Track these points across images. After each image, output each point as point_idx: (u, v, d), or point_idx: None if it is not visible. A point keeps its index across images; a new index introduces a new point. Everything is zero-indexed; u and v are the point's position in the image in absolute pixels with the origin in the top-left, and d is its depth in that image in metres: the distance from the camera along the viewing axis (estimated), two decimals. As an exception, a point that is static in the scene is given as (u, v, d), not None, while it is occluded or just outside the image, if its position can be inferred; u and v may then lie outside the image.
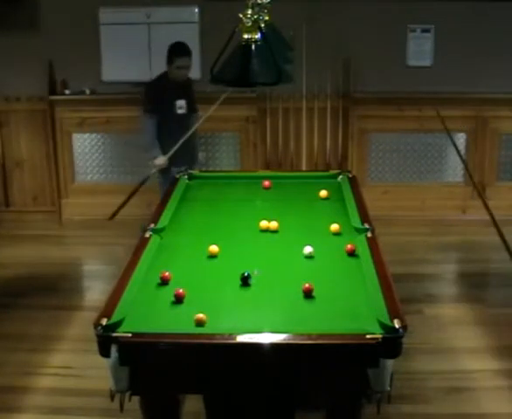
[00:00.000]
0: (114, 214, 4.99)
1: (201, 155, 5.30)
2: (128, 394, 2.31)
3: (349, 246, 3.01)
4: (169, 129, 4.76)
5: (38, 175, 6.22)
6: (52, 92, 5.93)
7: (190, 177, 4.26)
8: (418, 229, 5.79)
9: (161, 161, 4.77)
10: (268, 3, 2.93)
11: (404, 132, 6.05)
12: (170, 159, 4.79)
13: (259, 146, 6.07)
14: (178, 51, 4.70)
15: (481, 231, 5.72)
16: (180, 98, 4.87)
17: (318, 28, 5.65)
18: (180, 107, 4.87)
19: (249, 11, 2.65)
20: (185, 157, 4.80)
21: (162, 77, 4.86)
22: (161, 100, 4.79)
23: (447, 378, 3.56)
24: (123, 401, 2.31)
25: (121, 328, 2.30)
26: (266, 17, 2.85)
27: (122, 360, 2.23)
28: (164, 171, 4.85)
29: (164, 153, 4.80)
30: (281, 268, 2.90)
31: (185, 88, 4.91)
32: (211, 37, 5.05)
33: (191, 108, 4.98)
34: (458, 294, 4.76)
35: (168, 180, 4.56)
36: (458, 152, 4.75)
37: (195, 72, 5.80)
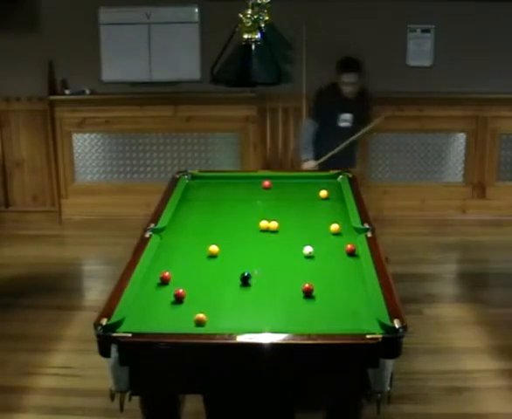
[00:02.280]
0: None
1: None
2: (127, 394, 2.31)
3: (349, 246, 3.01)
4: (328, 139, 4.73)
5: (38, 175, 6.22)
6: (52, 92, 5.93)
7: (191, 177, 4.26)
8: (418, 229, 5.79)
9: (310, 165, 4.77)
10: (268, 3, 2.94)
11: (404, 132, 6.05)
12: (323, 166, 4.71)
13: (258, 146, 6.07)
14: (344, 66, 4.65)
15: (481, 231, 5.74)
16: (346, 111, 4.82)
17: (318, 28, 5.65)
18: (344, 120, 4.83)
19: (249, 11, 2.65)
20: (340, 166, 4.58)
21: (334, 86, 4.83)
22: (325, 109, 4.80)
23: (447, 378, 3.56)
24: (123, 401, 2.30)
25: (121, 328, 2.30)
26: (266, 17, 2.85)
27: (122, 360, 2.23)
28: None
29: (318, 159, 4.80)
30: (281, 268, 2.90)
31: (355, 102, 4.83)
32: (210, 37, 5.06)
33: (360, 122, 4.89)
34: (458, 294, 4.76)
35: None
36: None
37: (195, 72, 5.84)
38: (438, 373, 3.62)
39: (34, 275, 5.03)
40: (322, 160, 4.74)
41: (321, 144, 4.81)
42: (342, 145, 4.78)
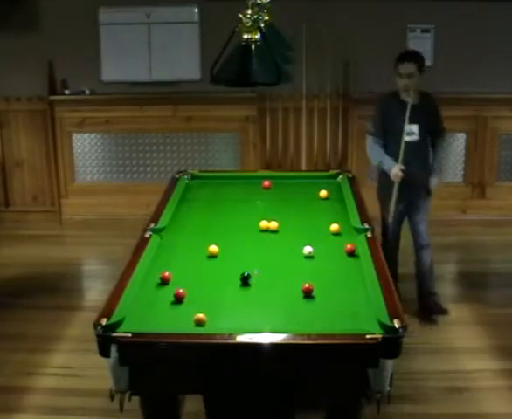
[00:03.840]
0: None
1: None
2: (127, 394, 2.31)
3: (348, 246, 3.01)
4: (395, 158, 4.04)
5: (37, 175, 6.22)
6: (52, 92, 5.93)
7: (191, 177, 4.26)
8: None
9: (396, 171, 4.01)
10: (268, 3, 2.93)
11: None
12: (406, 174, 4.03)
13: (258, 146, 6.07)
14: (400, 56, 4.06)
15: (481, 231, 5.73)
16: (411, 122, 4.03)
17: (318, 28, 5.65)
18: (410, 133, 4.06)
19: (249, 11, 2.65)
20: (417, 184, 4.15)
21: (395, 94, 4.14)
22: (386, 122, 4.13)
23: (447, 378, 3.56)
24: (123, 401, 2.31)
25: (121, 328, 2.30)
26: (266, 17, 2.85)
27: (122, 360, 2.23)
28: (400, 189, 4.09)
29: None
30: (281, 268, 2.90)
31: (421, 109, 4.06)
32: (211, 37, 5.05)
33: (429, 133, 4.19)
34: (458, 294, 4.76)
35: (395, 202, 4.11)
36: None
37: (195, 72, 5.84)
38: (438, 373, 3.62)
39: (34, 275, 5.03)
40: (401, 157, 4.02)
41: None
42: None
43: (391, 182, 4.05)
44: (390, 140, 4.11)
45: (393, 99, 4.12)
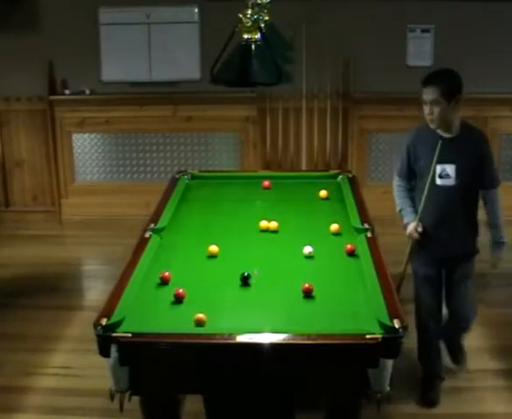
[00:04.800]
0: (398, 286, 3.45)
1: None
2: (127, 394, 2.31)
3: (348, 246, 3.01)
4: (425, 203, 3.24)
5: (37, 175, 6.22)
6: (52, 92, 5.93)
7: (191, 177, 4.26)
8: (418, 229, 5.77)
9: (410, 230, 3.30)
10: (268, 3, 2.93)
11: (404, 132, 6.01)
12: (427, 235, 3.29)
13: (258, 146, 6.07)
14: (424, 79, 3.16)
15: (481, 231, 5.72)
16: (444, 160, 3.17)
17: (318, 28, 5.65)
18: (442, 176, 3.20)
19: (249, 11, 2.65)
20: (453, 241, 3.29)
21: (428, 125, 3.24)
22: (414, 160, 3.31)
23: (447, 378, 3.55)
24: (123, 401, 2.31)
25: (121, 328, 2.30)
26: (266, 17, 2.85)
27: (122, 360, 2.23)
28: (419, 249, 3.37)
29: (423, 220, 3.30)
30: (281, 268, 2.90)
31: (460, 145, 3.19)
32: (211, 37, 5.05)
33: (471, 177, 3.21)
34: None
35: (420, 265, 3.39)
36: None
37: (194, 72, 5.84)
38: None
39: (34, 275, 5.03)
40: (420, 212, 3.27)
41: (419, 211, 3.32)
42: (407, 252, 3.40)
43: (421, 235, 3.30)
44: (418, 184, 3.32)
45: (424, 132, 3.25)
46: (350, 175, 4.21)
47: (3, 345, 4.00)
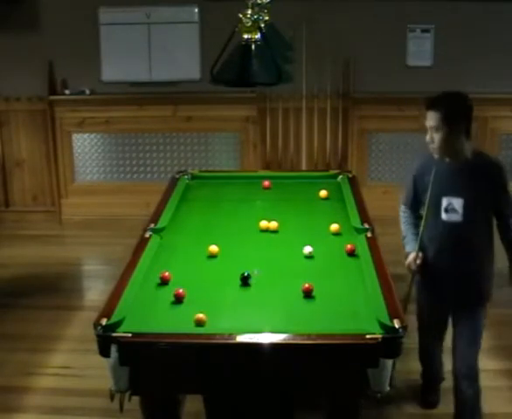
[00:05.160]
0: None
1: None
2: (127, 394, 2.31)
3: (348, 246, 3.01)
4: (430, 237, 2.98)
5: (37, 175, 6.22)
6: (52, 92, 5.93)
7: (191, 177, 4.26)
8: (418, 229, 5.77)
9: (409, 258, 3.02)
10: (268, 3, 2.93)
11: (404, 132, 6.05)
12: (429, 271, 3.02)
13: (258, 146, 6.07)
14: (427, 102, 2.84)
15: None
16: (451, 193, 2.86)
17: (318, 28, 5.65)
18: (448, 209, 2.87)
19: (249, 11, 2.65)
20: (461, 287, 2.98)
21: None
22: (423, 191, 2.97)
23: (447, 378, 3.54)
24: (123, 401, 2.31)
25: (121, 328, 2.30)
26: (266, 17, 2.85)
27: (122, 360, 2.23)
28: (420, 282, 3.15)
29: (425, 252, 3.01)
30: (281, 268, 2.90)
31: (470, 176, 2.86)
32: (211, 37, 5.05)
33: (481, 212, 2.90)
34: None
35: (424, 302, 3.19)
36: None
37: (194, 72, 5.84)
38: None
39: (34, 275, 5.03)
40: (418, 243, 2.99)
41: (423, 244, 3.00)
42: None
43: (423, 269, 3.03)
44: (426, 214, 2.97)
45: (431, 160, 2.91)
46: (350, 175, 4.21)
47: (3, 345, 4.00)
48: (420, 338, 3.35)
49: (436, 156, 2.89)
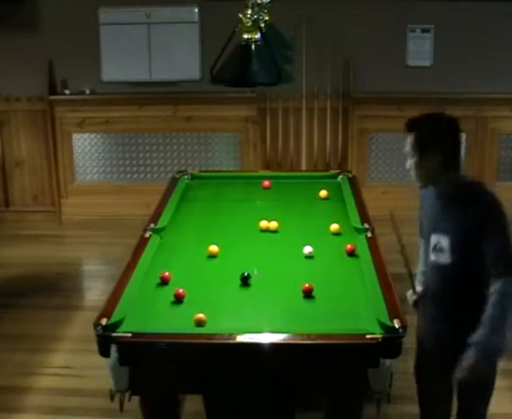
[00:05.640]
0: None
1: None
2: (127, 394, 2.31)
3: (348, 246, 3.01)
4: (425, 277, 2.65)
5: (37, 175, 6.22)
6: (52, 92, 5.93)
7: (191, 177, 4.26)
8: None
9: (408, 294, 2.71)
10: (268, 3, 2.93)
11: (404, 132, 6.04)
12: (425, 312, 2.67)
13: (258, 146, 6.07)
14: (406, 123, 2.55)
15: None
16: (438, 230, 2.48)
17: (318, 28, 5.65)
18: (436, 248, 2.48)
19: (249, 11, 2.65)
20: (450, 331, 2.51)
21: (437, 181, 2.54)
22: (423, 221, 2.69)
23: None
24: (123, 401, 2.31)
25: (121, 328, 2.30)
26: (266, 17, 2.85)
27: (122, 360, 2.23)
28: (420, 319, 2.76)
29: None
30: (281, 268, 2.90)
31: (456, 211, 2.42)
32: (211, 37, 5.06)
33: (471, 256, 2.38)
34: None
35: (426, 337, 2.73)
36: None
37: (194, 72, 5.83)
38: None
39: (34, 275, 5.03)
40: (412, 283, 2.70)
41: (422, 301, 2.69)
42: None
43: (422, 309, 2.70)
44: (424, 245, 2.67)
45: (429, 190, 2.59)
46: (350, 175, 4.21)
47: (3, 345, 4.01)
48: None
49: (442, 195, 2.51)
